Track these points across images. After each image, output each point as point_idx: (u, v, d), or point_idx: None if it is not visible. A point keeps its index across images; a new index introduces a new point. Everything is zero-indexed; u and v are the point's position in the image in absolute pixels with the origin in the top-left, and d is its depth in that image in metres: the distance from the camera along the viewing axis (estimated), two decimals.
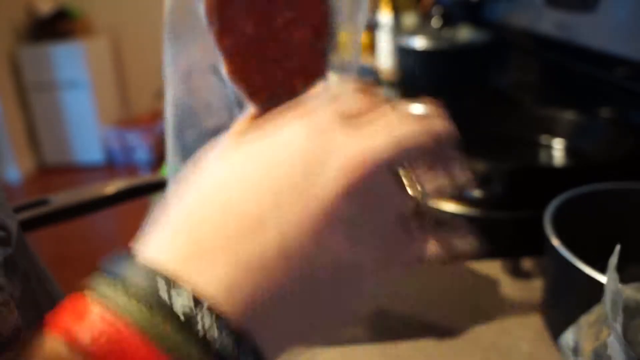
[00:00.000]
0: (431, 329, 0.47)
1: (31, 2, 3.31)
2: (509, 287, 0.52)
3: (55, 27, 3.29)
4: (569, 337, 0.35)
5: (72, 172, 3.37)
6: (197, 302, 0.18)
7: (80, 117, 3.39)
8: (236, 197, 0.21)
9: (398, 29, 1.32)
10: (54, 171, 3.42)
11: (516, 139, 0.81)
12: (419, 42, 1.11)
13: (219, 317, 0.18)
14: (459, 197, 0.67)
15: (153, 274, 0.19)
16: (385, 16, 1.33)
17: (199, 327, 0.18)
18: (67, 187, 0.77)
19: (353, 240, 0.21)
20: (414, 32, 1.24)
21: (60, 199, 0.68)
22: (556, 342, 0.36)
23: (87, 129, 3.41)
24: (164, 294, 0.18)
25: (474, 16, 1.23)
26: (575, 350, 0.33)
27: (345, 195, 0.20)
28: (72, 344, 0.18)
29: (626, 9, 0.72)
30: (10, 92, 3.22)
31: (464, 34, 1.13)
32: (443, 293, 0.53)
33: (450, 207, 0.68)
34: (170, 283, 0.18)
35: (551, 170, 0.73)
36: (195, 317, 0.18)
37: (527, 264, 0.55)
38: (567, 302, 0.43)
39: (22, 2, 3.29)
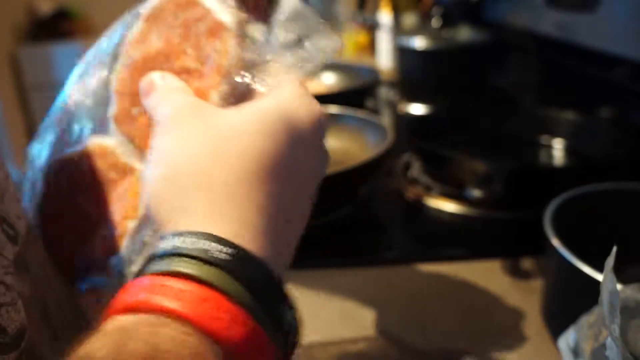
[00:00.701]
0: (430, 328, 0.47)
1: (31, 2, 3.31)
2: (509, 287, 0.52)
3: (55, 27, 3.29)
4: (569, 337, 0.35)
5: None
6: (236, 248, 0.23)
7: None
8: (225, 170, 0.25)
9: (398, 29, 1.32)
10: None
11: (516, 139, 0.81)
12: (419, 42, 1.11)
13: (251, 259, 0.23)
14: (459, 197, 0.67)
15: (205, 239, 0.23)
16: (385, 16, 1.33)
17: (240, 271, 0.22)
18: None
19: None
20: (414, 32, 1.24)
21: None
22: (556, 342, 0.36)
23: None
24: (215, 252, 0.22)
25: (474, 16, 1.23)
26: (575, 351, 0.33)
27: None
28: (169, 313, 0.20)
29: (626, 9, 0.72)
30: (10, 92, 3.22)
31: (464, 34, 1.13)
32: (442, 294, 0.53)
33: (450, 207, 0.68)
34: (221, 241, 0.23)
35: (551, 170, 0.73)
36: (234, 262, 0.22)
37: (527, 264, 0.55)
38: (567, 302, 0.43)
39: (22, 2, 3.29)
